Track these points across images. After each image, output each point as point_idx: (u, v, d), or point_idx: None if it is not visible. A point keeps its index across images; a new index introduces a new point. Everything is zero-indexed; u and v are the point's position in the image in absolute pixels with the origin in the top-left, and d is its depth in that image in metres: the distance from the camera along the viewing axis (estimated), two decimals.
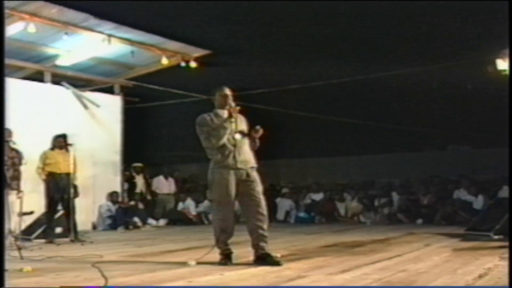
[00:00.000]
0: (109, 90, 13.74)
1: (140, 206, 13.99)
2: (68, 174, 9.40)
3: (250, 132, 6.18)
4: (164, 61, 12.39)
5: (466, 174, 15.90)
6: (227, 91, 6.18)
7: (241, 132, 6.14)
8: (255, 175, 6.10)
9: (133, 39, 11.64)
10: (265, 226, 5.97)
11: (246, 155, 6.09)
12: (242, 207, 6.16)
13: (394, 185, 16.52)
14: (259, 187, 6.05)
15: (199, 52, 12.35)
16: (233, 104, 6.12)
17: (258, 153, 6.28)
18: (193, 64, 12.48)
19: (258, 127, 6.13)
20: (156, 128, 17.28)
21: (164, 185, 15.43)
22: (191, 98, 13.97)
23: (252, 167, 6.10)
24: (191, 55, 12.47)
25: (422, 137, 18.02)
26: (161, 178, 15.51)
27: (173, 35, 11.52)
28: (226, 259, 5.94)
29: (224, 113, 6.11)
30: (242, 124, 6.23)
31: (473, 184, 14.28)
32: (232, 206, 6.04)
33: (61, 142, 9.61)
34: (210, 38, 11.68)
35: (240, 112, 6.22)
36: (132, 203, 13.74)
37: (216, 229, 6.06)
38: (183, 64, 12.49)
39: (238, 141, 6.04)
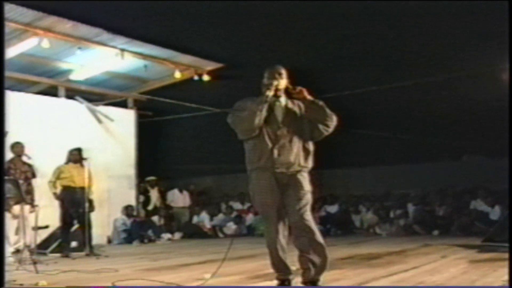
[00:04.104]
0: (122, 104, 13.78)
1: (155, 219, 13.99)
2: (83, 188, 9.43)
3: (292, 95, 4.93)
4: (177, 74, 12.42)
5: (481, 184, 15.77)
6: (275, 68, 4.92)
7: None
8: (300, 179, 4.80)
9: (145, 53, 11.69)
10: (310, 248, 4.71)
11: (290, 156, 4.77)
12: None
13: (410, 196, 16.40)
14: (301, 194, 4.76)
15: (212, 65, 12.37)
16: (279, 84, 4.87)
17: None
18: (206, 78, 12.50)
19: (298, 88, 4.89)
20: (170, 141, 17.30)
21: (179, 198, 15.44)
22: (204, 112, 13.97)
23: (297, 170, 4.81)
24: (204, 68, 12.49)
25: (436, 148, 17.89)
26: (175, 191, 15.52)
27: (186, 49, 11.55)
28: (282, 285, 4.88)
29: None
30: (293, 111, 4.94)
31: (490, 195, 14.15)
32: (277, 218, 4.79)
33: (75, 156, 9.65)
34: (222, 52, 11.70)
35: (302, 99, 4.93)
36: (142, 215, 13.73)
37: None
38: (196, 77, 12.52)
39: (281, 136, 4.79)
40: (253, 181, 4.84)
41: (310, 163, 4.90)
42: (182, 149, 18.54)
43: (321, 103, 4.84)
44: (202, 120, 14.54)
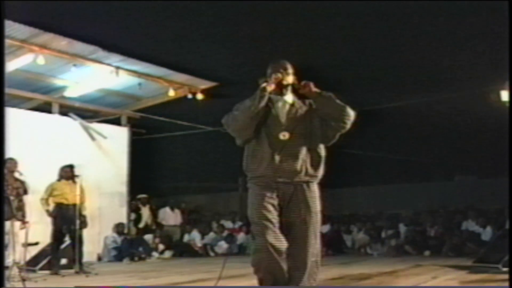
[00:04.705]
0: (116, 121, 13.79)
1: (149, 237, 13.96)
2: (75, 205, 9.39)
3: (298, 91, 4.27)
4: (171, 93, 12.45)
5: (473, 204, 15.82)
6: (279, 62, 4.29)
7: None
8: (308, 196, 4.14)
9: (140, 71, 11.73)
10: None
11: (296, 163, 4.08)
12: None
13: (401, 216, 16.43)
14: (307, 214, 4.10)
15: (205, 84, 12.41)
16: (284, 79, 4.21)
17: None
18: (199, 96, 12.54)
19: (303, 82, 4.25)
20: (163, 159, 17.30)
21: (170, 217, 15.38)
22: (198, 130, 14.00)
23: (305, 181, 4.14)
24: (198, 87, 12.53)
25: (428, 168, 17.96)
26: (167, 209, 15.46)
27: (180, 67, 11.60)
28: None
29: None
30: (300, 112, 4.25)
31: (481, 215, 14.18)
32: (270, 231, 3.97)
33: (68, 173, 9.62)
34: (216, 70, 11.76)
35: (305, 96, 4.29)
36: (133, 233, 13.69)
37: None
38: (190, 96, 12.55)
39: (284, 140, 4.10)
40: (250, 191, 4.17)
41: (320, 172, 4.22)
42: (174, 167, 18.53)
43: (329, 94, 4.18)
44: (195, 139, 14.57)
